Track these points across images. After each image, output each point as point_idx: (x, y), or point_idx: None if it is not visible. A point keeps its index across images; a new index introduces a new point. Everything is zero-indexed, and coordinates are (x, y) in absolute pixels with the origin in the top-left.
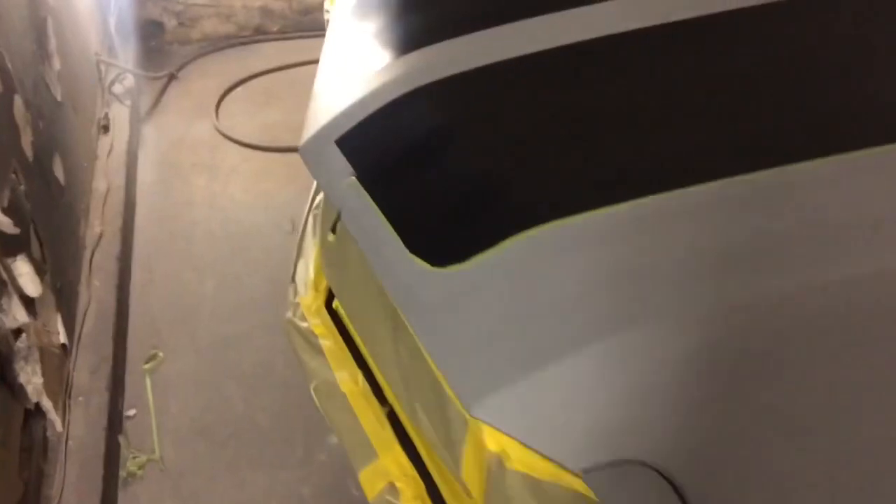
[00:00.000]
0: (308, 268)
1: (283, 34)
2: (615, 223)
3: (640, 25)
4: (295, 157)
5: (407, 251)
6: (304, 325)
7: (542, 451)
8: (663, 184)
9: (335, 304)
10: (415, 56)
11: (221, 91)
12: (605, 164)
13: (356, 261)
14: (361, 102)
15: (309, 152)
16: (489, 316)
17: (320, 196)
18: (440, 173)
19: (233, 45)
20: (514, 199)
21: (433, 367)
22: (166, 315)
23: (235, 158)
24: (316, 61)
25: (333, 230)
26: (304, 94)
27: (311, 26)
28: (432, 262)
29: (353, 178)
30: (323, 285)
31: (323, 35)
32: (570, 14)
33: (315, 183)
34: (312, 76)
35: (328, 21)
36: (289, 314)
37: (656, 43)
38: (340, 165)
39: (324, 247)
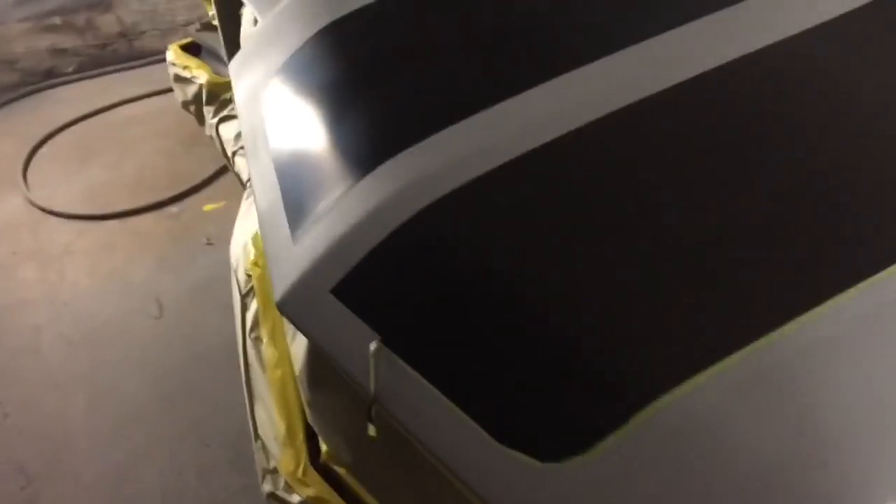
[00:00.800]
0: (272, 417)
1: (82, 74)
2: None
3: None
4: (140, 222)
5: (497, 445)
6: (295, 499)
7: None
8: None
9: (324, 458)
10: (405, 159)
11: (24, 154)
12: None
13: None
14: (356, 231)
15: (292, 306)
16: None
17: (253, 309)
18: (509, 326)
19: (23, 96)
20: (637, 354)
21: None
22: (34, 455)
23: (66, 236)
24: (133, 99)
25: (370, 419)
26: (128, 142)
27: (115, 58)
28: (541, 457)
29: (380, 344)
30: (300, 438)
31: (139, 63)
32: (581, 76)
33: (236, 288)
34: (133, 119)
35: (174, 75)
36: (265, 487)
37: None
38: (349, 324)
39: (316, 404)
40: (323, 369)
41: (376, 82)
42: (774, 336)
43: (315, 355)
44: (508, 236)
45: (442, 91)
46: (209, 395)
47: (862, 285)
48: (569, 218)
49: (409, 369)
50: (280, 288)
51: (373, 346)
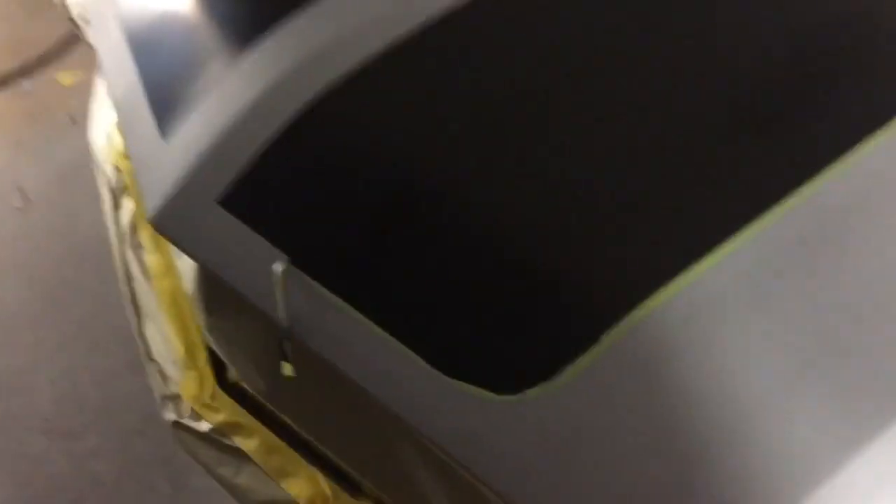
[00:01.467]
0: (166, 336)
1: None
2: None
3: None
4: None
5: (444, 378)
6: (204, 426)
7: None
8: None
9: (234, 378)
10: (295, 27)
11: None
12: None
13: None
14: (243, 122)
15: (170, 222)
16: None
17: (128, 209)
18: (445, 237)
19: None
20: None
21: None
22: None
23: None
24: None
25: (284, 356)
26: None
27: None
28: (495, 388)
29: (287, 265)
30: (203, 358)
31: None
32: None
33: (105, 186)
34: None
35: None
36: (169, 415)
37: None
38: (245, 241)
39: (216, 330)
40: (219, 291)
41: None
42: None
43: (207, 277)
44: (428, 126)
45: None
46: (95, 292)
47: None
48: (487, 105)
49: (327, 294)
50: (152, 200)
51: (278, 267)
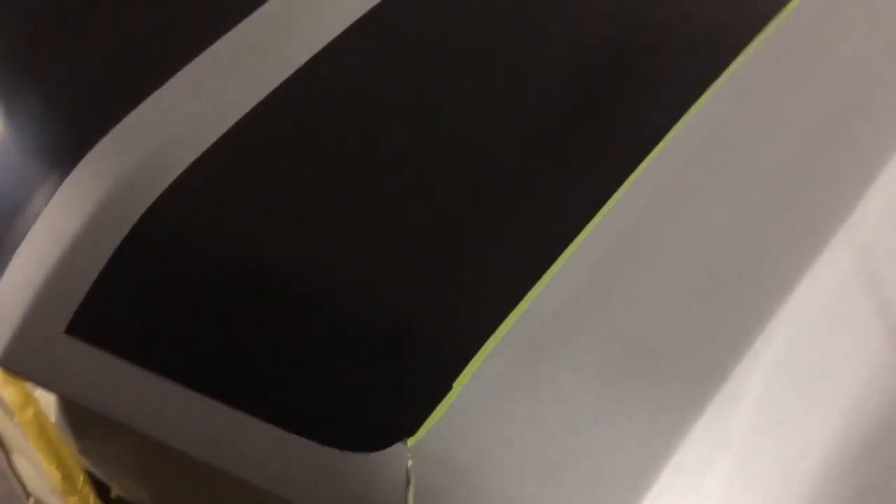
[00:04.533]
0: (39, 466)
1: None
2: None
3: None
4: None
5: (317, 445)
6: None
7: None
8: None
9: (117, 492)
10: (109, 144)
11: None
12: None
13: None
14: (77, 249)
15: (20, 360)
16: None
17: None
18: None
19: None
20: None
21: None
22: None
23: None
24: None
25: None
26: None
27: None
28: (367, 446)
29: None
30: (81, 480)
31: None
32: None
33: None
34: None
35: None
36: None
37: None
38: (104, 364)
39: (91, 452)
40: (85, 415)
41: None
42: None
43: (70, 404)
44: (258, 213)
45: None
46: None
47: None
48: (308, 176)
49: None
50: None
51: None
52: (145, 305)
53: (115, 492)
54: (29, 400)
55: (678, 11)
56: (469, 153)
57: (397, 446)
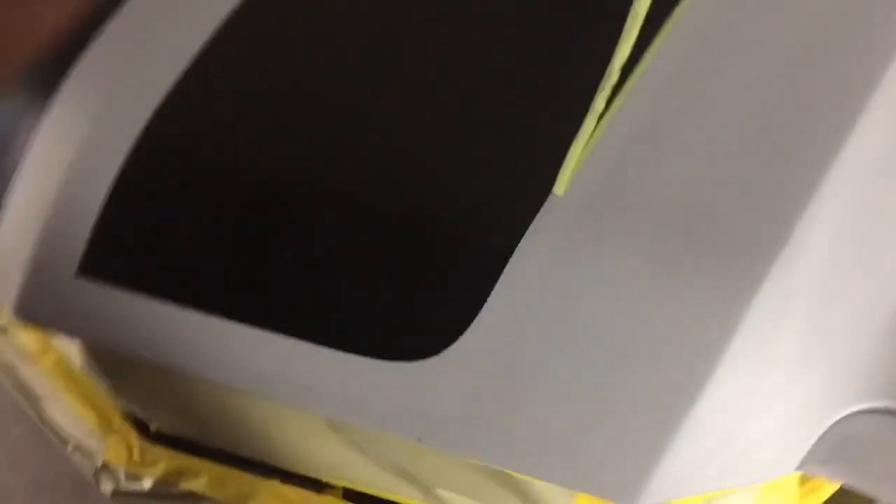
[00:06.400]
0: (72, 410)
1: None
2: None
3: None
4: None
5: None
6: (146, 484)
7: None
8: None
9: (155, 429)
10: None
11: None
12: None
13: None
14: (75, 185)
15: (34, 310)
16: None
17: None
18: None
19: None
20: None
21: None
22: None
23: None
24: None
25: None
26: None
27: None
28: (409, 356)
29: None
30: (118, 419)
31: None
32: None
33: None
34: None
35: None
36: (105, 487)
37: None
38: (122, 302)
39: (125, 390)
40: (112, 357)
41: None
42: None
43: (94, 348)
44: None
45: None
46: None
47: None
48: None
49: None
50: (6, 291)
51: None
52: (160, 233)
53: (156, 427)
54: (47, 346)
55: None
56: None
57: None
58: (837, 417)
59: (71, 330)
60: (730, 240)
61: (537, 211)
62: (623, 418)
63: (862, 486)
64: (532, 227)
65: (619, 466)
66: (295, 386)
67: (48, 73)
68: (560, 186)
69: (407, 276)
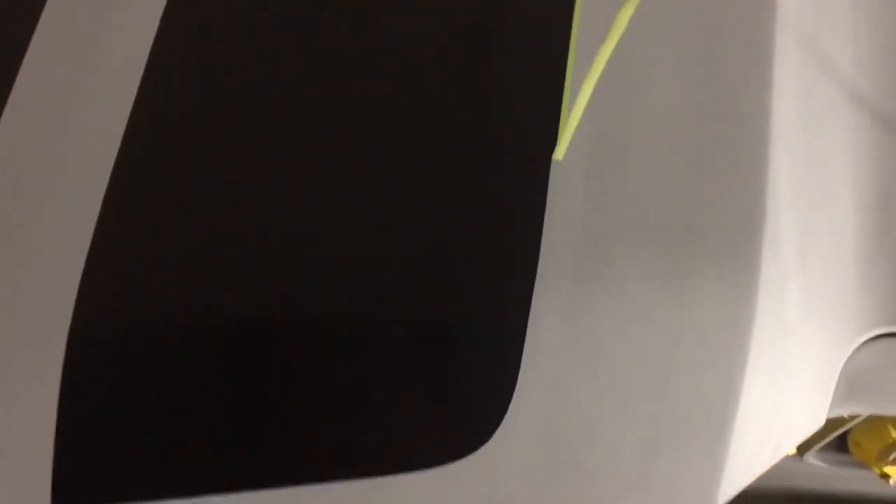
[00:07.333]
0: None
1: None
2: None
3: None
4: None
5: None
6: None
7: None
8: None
9: None
10: None
11: None
12: None
13: None
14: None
15: None
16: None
17: None
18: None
19: None
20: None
21: None
22: None
23: None
24: None
25: None
26: None
27: None
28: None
29: None
30: None
31: None
32: None
33: None
34: None
35: None
36: None
37: None
38: None
39: None
40: None
41: None
42: None
43: None
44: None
45: None
46: None
47: None
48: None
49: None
50: None
51: None
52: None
53: None
54: None
55: None
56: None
57: None
58: (849, 353)
59: None
60: (718, 235)
61: (535, 271)
62: (681, 438)
63: (881, 410)
64: (536, 291)
65: (693, 482)
66: None
67: None
68: (559, 151)
69: (434, 378)
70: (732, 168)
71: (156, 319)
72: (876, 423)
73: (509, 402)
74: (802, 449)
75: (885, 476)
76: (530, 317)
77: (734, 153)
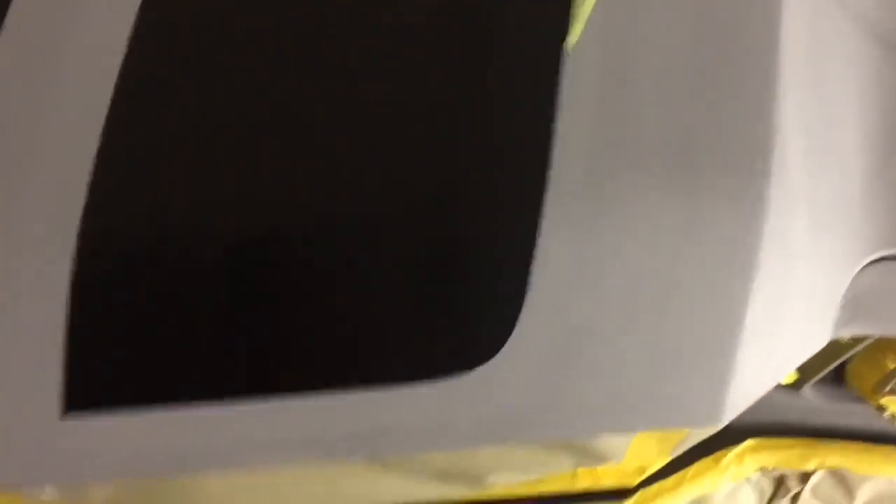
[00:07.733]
0: None
1: None
2: None
3: None
4: None
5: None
6: None
7: None
8: None
9: None
10: None
11: None
12: None
13: None
14: None
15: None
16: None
17: None
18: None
19: None
20: None
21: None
22: None
23: None
24: None
25: None
26: None
27: None
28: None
29: None
30: None
31: None
32: None
33: None
34: None
35: None
36: None
37: None
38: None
39: None
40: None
41: None
42: None
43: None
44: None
45: None
46: None
47: None
48: None
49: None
50: None
51: None
52: (147, 336)
53: None
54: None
55: None
56: None
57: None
58: (852, 275)
59: (59, 475)
60: (727, 153)
61: (545, 187)
62: (687, 349)
63: (882, 330)
64: (546, 208)
65: (697, 396)
66: (371, 434)
67: None
68: (570, 41)
69: (445, 292)
70: (742, 86)
71: (165, 225)
72: (875, 352)
73: (518, 315)
74: (800, 382)
75: (881, 408)
76: (540, 232)
77: (743, 71)
